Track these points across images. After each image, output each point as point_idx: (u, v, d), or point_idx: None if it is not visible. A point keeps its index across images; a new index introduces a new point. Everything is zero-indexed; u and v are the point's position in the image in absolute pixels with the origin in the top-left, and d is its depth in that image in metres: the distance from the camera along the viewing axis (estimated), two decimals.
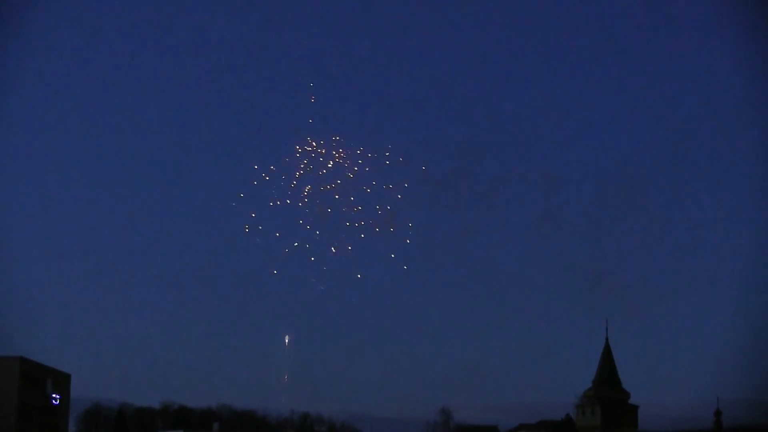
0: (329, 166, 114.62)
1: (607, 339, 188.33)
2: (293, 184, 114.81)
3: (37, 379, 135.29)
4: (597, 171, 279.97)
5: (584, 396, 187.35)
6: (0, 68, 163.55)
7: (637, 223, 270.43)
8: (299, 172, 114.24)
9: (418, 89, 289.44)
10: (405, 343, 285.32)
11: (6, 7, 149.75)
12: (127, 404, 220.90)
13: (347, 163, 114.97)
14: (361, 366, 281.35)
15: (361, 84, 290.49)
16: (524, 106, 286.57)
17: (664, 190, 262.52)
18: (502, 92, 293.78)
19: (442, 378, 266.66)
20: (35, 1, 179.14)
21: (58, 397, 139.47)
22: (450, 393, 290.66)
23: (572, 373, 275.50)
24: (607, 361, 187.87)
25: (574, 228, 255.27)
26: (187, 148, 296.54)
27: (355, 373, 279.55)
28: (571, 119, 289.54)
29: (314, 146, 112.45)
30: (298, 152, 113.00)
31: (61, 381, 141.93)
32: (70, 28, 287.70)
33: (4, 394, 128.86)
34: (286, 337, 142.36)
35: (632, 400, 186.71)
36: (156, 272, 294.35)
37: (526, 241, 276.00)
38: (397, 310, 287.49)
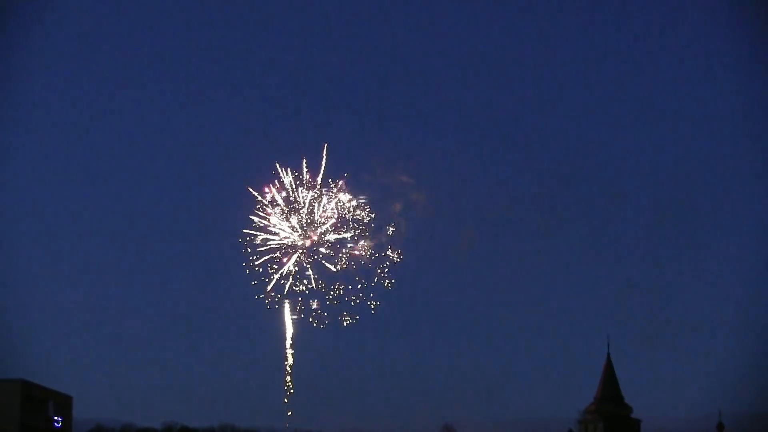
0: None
1: (608, 354, 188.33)
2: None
3: (39, 401, 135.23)
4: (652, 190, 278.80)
5: (587, 411, 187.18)
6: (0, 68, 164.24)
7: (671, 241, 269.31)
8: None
9: (484, 112, 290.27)
10: (408, 360, 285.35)
11: (6, 8, 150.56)
12: (129, 425, 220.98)
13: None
14: (364, 383, 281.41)
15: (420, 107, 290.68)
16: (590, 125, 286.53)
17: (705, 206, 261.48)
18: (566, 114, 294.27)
19: (445, 394, 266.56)
20: (35, 2, 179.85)
21: (60, 419, 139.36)
22: (453, 409, 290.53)
23: (575, 388, 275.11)
24: (609, 376, 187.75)
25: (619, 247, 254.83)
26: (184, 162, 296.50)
27: (358, 390, 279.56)
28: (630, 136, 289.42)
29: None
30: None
31: (63, 403, 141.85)
32: (68, 30, 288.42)
33: (6, 417, 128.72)
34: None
35: (635, 415, 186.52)
36: (157, 293, 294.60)
37: (572, 264, 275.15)
38: (401, 327, 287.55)
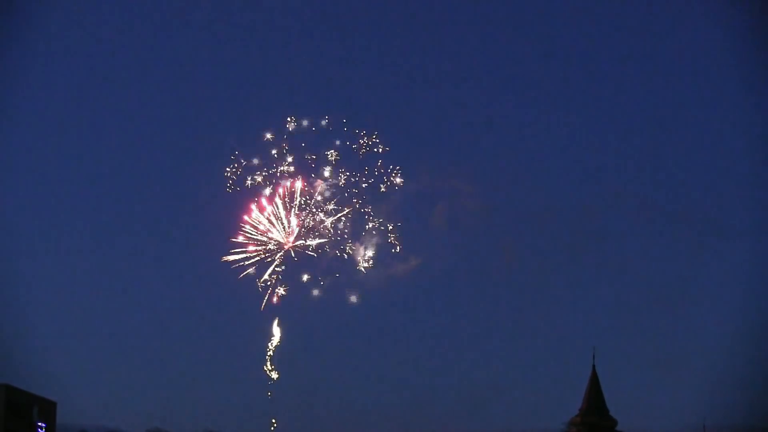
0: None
1: (594, 366, 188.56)
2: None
3: (23, 407, 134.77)
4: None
5: (571, 423, 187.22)
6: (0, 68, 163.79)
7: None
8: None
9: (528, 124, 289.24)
10: (392, 371, 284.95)
11: (6, 7, 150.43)
12: (113, 431, 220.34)
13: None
14: (353, 394, 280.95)
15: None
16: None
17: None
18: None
19: (430, 407, 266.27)
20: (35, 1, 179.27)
21: (44, 425, 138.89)
22: (437, 421, 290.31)
23: (559, 400, 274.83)
24: (594, 389, 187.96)
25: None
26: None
27: (347, 400, 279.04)
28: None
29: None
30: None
31: (48, 409, 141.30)
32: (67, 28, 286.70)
33: None
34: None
35: (619, 428, 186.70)
36: (141, 298, 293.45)
37: (560, 276, 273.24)
38: (385, 338, 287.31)
